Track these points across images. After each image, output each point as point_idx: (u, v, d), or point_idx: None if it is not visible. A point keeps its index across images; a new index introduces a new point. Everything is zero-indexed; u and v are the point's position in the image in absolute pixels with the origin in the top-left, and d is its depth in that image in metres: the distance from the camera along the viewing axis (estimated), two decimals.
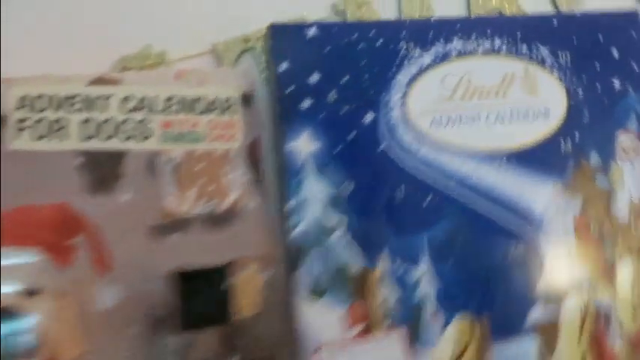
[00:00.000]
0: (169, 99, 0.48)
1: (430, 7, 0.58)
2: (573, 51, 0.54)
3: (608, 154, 0.53)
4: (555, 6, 0.63)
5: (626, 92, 0.54)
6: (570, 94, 0.53)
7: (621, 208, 0.52)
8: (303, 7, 0.55)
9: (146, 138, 0.47)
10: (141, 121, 0.47)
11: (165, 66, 0.51)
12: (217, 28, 0.52)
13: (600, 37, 0.55)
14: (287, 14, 0.55)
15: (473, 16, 0.57)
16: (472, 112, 0.50)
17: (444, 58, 0.51)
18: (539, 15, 0.58)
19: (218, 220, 0.45)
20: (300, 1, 0.55)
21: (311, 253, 0.45)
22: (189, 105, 0.48)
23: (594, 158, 0.52)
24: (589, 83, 0.53)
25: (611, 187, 0.52)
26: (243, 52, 0.52)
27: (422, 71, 0.50)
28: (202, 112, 0.48)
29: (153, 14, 0.53)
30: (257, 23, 0.53)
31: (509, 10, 0.61)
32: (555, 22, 0.54)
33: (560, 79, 0.53)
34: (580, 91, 0.53)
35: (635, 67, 0.55)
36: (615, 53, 0.55)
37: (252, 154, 0.48)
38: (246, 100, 0.49)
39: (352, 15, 0.56)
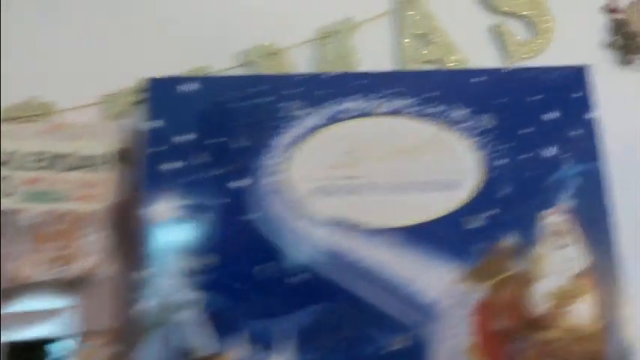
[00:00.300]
0: (40, 154, 0.46)
1: (354, 58, 0.53)
2: (499, 113, 0.47)
3: (529, 235, 0.45)
4: (508, 57, 0.57)
5: (561, 163, 0.46)
6: (489, 164, 0.46)
7: (539, 299, 0.45)
8: (208, 56, 0.52)
9: (7, 195, 0.45)
10: (5, 178, 0.45)
11: (52, 116, 0.50)
12: (109, 78, 0.50)
13: (535, 97, 0.48)
14: (191, 63, 0.52)
15: (378, 71, 0.50)
16: (364, 180, 0.44)
17: (338, 118, 0.45)
18: (461, 70, 0.52)
19: (65, 286, 0.43)
20: (205, 49, 0.52)
21: (154, 332, 0.41)
22: (58, 161, 0.46)
23: (511, 239, 0.45)
24: (514, 152, 0.46)
25: (530, 273, 0.45)
26: (133, 104, 0.50)
27: (310, 132, 0.45)
28: (71, 169, 0.45)
29: (43, 62, 0.52)
30: (156, 73, 0.50)
31: (448, 63, 0.54)
32: (482, 78, 0.48)
33: (477, 147, 0.46)
34: (501, 161, 0.46)
35: (574, 134, 0.48)
36: (551, 117, 0.48)
37: (121, 216, 0.45)
38: (124, 156, 0.47)
39: (262, 67, 0.52)
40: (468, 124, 0.46)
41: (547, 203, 0.46)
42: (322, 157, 0.44)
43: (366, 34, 0.54)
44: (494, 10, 0.57)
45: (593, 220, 0.46)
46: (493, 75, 0.48)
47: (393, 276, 0.43)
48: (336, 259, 0.43)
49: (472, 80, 0.47)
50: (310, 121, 0.45)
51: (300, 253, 0.43)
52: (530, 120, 0.47)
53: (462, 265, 0.44)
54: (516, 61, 0.57)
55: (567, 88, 0.48)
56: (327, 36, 0.53)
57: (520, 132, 0.47)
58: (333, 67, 0.52)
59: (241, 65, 0.52)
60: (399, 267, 0.43)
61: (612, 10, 0.59)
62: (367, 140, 0.45)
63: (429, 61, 0.55)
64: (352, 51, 0.53)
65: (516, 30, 0.58)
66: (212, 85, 0.45)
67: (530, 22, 0.57)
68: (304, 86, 0.45)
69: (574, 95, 0.48)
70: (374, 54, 0.54)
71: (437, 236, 0.44)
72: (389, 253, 0.43)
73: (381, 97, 0.46)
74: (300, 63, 0.53)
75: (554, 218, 0.46)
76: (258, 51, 0.52)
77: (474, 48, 0.56)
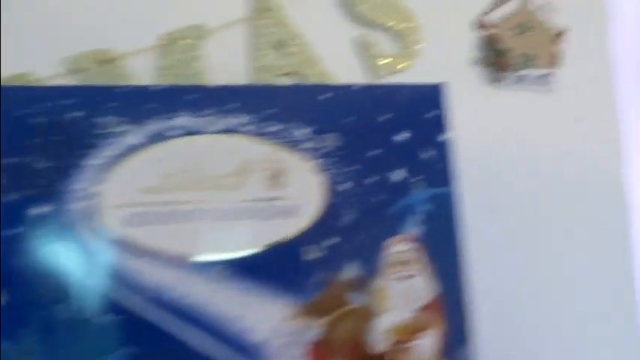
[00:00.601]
0: None
1: (203, 68, 0.48)
2: (344, 134, 0.43)
3: (371, 266, 0.42)
4: (373, 71, 0.54)
5: (411, 187, 0.44)
6: (330, 189, 0.42)
7: (380, 335, 0.42)
8: (33, 59, 0.46)
9: None
10: None
11: None
12: None
13: (385, 116, 0.45)
14: (10, 69, 0.46)
15: (211, 84, 0.47)
16: (189, 207, 0.40)
17: (163, 136, 0.41)
18: (305, 85, 0.49)
19: None
20: (30, 52, 0.47)
21: None
22: None
23: (352, 271, 0.42)
24: (359, 176, 0.43)
25: (370, 308, 0.42)
26: None
27: (129, 152, 0.40)
28: None
29: None
30: None
31: (308, 76, 0.50)
32: (328, 95, 0.44)
33: (320, 169, 0.43)
34: (345, 185, 0.43)
35: (426, 157, 0.45)
36: (402, 138, 0.45)
37: None
38: None
39: (95, 75, 0.47)
40: (309, 144, 0.42)
41: (393, 231, 0.43)
42: (141, 181, 0.39)
43: (218, 43, 0.50)
44: (359, 20, 0.54)
45: (442, 249, 0.44)
46: (340, 92, 0.44)
47: (218, 314, 0.39)
48: (153, 295, 0.38)
49: (317, 97, 0.43)
50: (130, 139, 0.40)
51: (111, 290, 0.38)
52: (378, 141, 0.44)
53: (297, 299, 0.40)
54: (382, 76, 0.54)
55: (421, 107, 0.45)
56: (172, 43, 0.49)
57: (367, 154, 0.43)
58: (179, 78, 0.48)
59: (70, 73, 0.46)
60: (225, 303, 0.39)
61: (483, 26, 0.57)
62: (195, 161, 0.40)
63: (286, 74, 0.51)
64: (200, 61, 0.49)
65: (383, 42, 0.55)
66: (12, 96, 0.40)
67: (397, 35, 0.55)
68: (125, 100, 0.40)
69: (428, 115, 0.45)
70: (226, 65, 0.49)
71: (270, 268, 0.40)
72: (214, 288, 0.39)
73: (213, 114, 0.41)
74: (141, 72, 0.48)
75: (400, 247, 0.43)
76: (88, 57, 0.46)
77: (336, 61, 0.53)
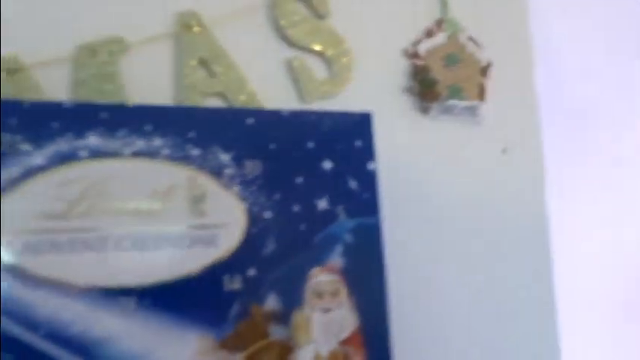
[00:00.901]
0: None
1: (121, 85, 0.45)
2: (269, 160, 0.42)
3: (293, 297, 0.41)
4: (304, 95, 0.53)
5: (335, 217, 0.43)
6: (250, 216, 0.41)
7: None
8: None
9: None
10: None
11: None
12: None
13: (312, 144, 0.44)
14: None
15: (128, 103, 0.44)
16: (96, 235, 0.37)
17: (67, 158, 0.37)
18: (229, 109, 0.47)
19: None
20: None
21: None
22: None
23: (272, 302, 0.40)
24: (283, 204, 0.42)
25: (291, 341, 0.41)
26: None
27: (27, 175, 0.36)
28: None
29: None
30: None
31: (235, 99, 0.49)
32: (252, 120, 0.43)
33: (241, 197, 0.41)
34: (267, 213, 0.41)
35: (352, 186, 0.45)
36: (328, 166, 0.44)
37: None
38: None
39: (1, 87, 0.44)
40: (231, 170, 0.41)
41: (316, 261, 0.41)
42: (43, 205, 0.36)
43: (140, 59, 0.47)
44: (290, 43, 0.53)
45: (366, 280, 0.43)
46: (266, 117, 0.43)
47: (124, 350, 0.36)
48: (51, 331, 0.35)
49: (241, 121, 0.42)
50: (31, 160, 0.36)
51: (3, 325, 0.34)
52: (304, 168, 0.43)
53: (214, 332, 0.38)
54: (310, 101, 0.53)
55: (348, 135, 0.44)
56: (89, 55, 0.46)
57: (292, 181, 0.42)
58: (94, 94, 0.45)
59: None
60: (133, 337, 0.36)
61: (412, 56, 0.58)
62: (105, 185, 0.37)
63: (213, 95, 0.49)
64: (119, 76, 0.46)
65: (313, 67, 0.54)
66: None
67: (327, 61, 0.54)
68: (31, 115, 0.37)
69: (355, 144, 0.45)
70: (147, 83, 0.47)
71: (185, 299, 0.37)
72: (121, 321, 0.36)
73: (128, 135, 0.39)
74: (53, 85, 0.44)
75: (323, 278, 0.42)
76: None
77: (265, 83, 0.51)
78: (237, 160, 0.41)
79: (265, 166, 0.42)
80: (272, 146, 0.42)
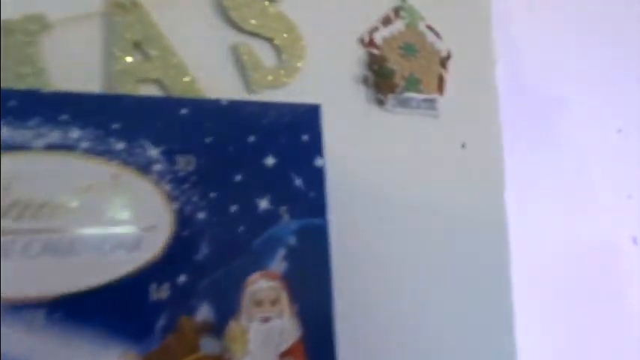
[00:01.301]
0: None
1: (41, 68, 0.40)
2: (204, 155, 0.38)
3: (229, 307, 0.37)
4: (250, 85, 0.49)
5: (278, 218, 0.40)
6: (182, 217, 0.37)
7: None
8: None
9: None
10: None
11: None
12: None
13: (253, 137, 0.40)
14: None
15: (42, 89, 0.39)
16: (4, 238, 0.33)
17: None
18: (159, 98, 0.43)
19: None
20: None
21: None
22: None
23: (204, 313, 0.37)
24: (219, 203, 0.38)
25: (225, 355, 0.37)
26: None
27: None
28: None
29: None
30: None
31: (170, 87, 0.44)
32: (185, 111, 0.38)
33: (172, 196, 0.37)
34: (201, 214, 0.37)
35: (299, 184, 0.41)
36: (271, 162, 0.41)
37: None
38: None
39: None
40: (159, 166, 0.37)
41: (255, 267, 0.38)
42: None
43: (63, 40, 0.43)
44: (237, 27, 0.49)
45: (310, 286, 0.40)
46: (202, 107, 0.39)
47: None
48: None
49: (173, 112, 0.38)
50: None
51: None
52: (243, 165, 0.39)
53: (136, 348, 0.34)
54: (260, 91, 0.49)
55: (294, 129, 0.41)
56: (4, 35, 0.41)
57: (228, 179, 0.38)
58: (10, 78, 0.40)
59: None
60: (42, 356, 0.32)
61: (368, 44, 0.54)
62: (15, 182, 0.33)
63: (148, 81, 0.45)
64: (39, 59, 0.41)
65: (263, 54, 0.50)
66: None
67: (276, 48, 0.50)
68: None
69: (301, 138, 0.41)
70: (74, 68, 0.42)
71: (105, 311, 0.34)
72: (28, 338, 0.32)
73: (41, 125, 0.35)
74: None
75: (262, 285, 0.38)
76: None
77: (210, 71, 0.47)
78: (168, 155, 0.37)
79: (200, 162, 0.38)
80: (208, 140, 0.38)
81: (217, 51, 0.48)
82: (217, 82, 0.48)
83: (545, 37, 0.69)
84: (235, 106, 0.40)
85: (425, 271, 0.53)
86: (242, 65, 0.49)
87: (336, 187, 0.44)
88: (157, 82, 0.45)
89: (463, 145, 0.58)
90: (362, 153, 0.52)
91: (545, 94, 0.69)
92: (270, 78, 0.49)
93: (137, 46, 0.45)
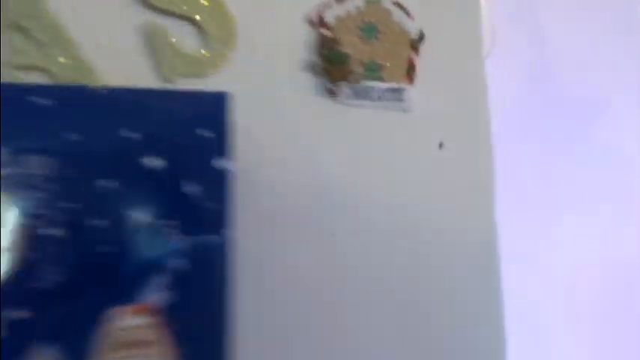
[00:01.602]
0: None
1: None
2: (66, 156, 0.29)
3: (81, 350, 0.29)
4: (165, 72, 0.41)
5: (159, 235, 0.31)
6: (31, 236, 0.29)
7: None
8: None
9: None
10: None
11: None
12: None
13: (134, 134, 0.31)
14: None
15: None
16: None
17: None
18: (10, 85, 0.34)
19: None
20: None
21: None
22: None
23: (49, 357, 0.29)
24: (78, 217, 0.29)
25: None
26: None
27: None
28: None
29: None
30: None
31: (61, 73, 0.37)
32: (47, 101, 0.30)
33: (18, 207, 0.29)
34: (57, 231, 0.29)
35: (193, 191, 0.32)
36: (156, 164, 0.32)
37: None
38: None
39: None
40: (4, 169, 0.30)
41: (123, 298, 0.30)
42: None
43: None
44: (150, 6, 0.42)
45: (200, 324, 0.31)
46: (69, 96, 0.32)
47: None
48: None
49: (27, 102, 0.31)
50: None
51: None
52: (118, 168, 0.31)
53: None
54: (175, 79, 0.42)
55: (190, 123, 0.33)
56: None
57: (98, 186, 0.31)
58: None
59: None
60: None
61: (318, 24, 0.46)
62: None
63: (31, 69, 0.38)
64: None
65: (185, 37, 0.43)
66: None
67: (199, 28, 0.42)
68: None
69: (200, 135, 0.33)
70: None
71: None
72: None
73: None
74: None
75: (131, 321, 0.30)
76: None
77: (116, 58, 0.40)
78: (17, 155, 0.30)
79: (60, 164, 0.30)
80: (74, 137, 0.31)
81: (126, 34, 0.41)
82: (127, 71, 0.40)
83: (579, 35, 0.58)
84: (114, 96, 0.32)
85: (388, 308, 0.43)
86: (157, 51, 0.41)
87: (273, 197, 0.36)
88: (41, 70, 0.38)
89: (440, 145, 0.48)
90: (308, 155, 0.43)
91: (578, 94, 0.59)
92: (192, 65, 0.41)
93: (19, 29, 0.38)
